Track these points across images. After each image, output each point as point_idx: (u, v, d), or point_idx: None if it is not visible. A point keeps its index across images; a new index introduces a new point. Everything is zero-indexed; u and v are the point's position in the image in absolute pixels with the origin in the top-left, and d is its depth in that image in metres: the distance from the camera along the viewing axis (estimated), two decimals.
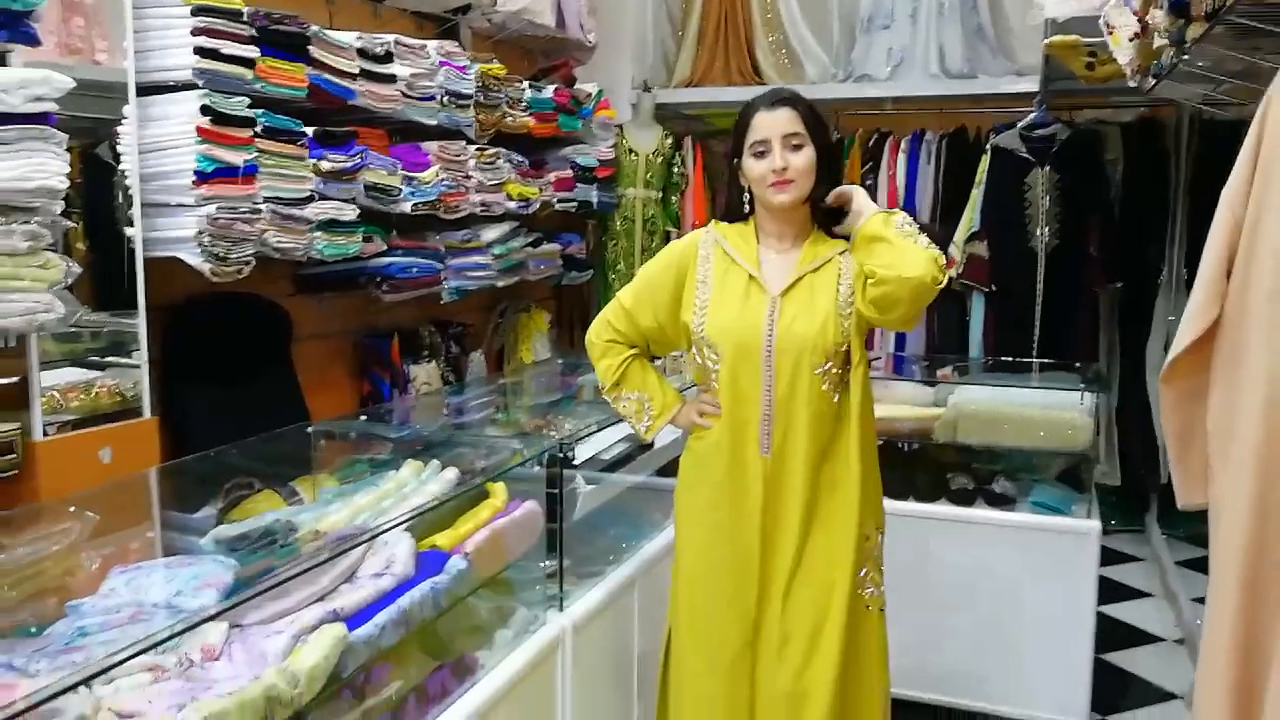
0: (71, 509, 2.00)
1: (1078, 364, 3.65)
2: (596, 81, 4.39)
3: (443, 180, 3.33)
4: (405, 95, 3.14)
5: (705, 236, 2.07)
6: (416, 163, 3.24)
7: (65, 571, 1.75)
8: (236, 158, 2.52)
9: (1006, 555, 2.94)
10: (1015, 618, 2.92)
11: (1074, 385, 3.31)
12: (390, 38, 3.10)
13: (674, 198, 4.77)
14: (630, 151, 4.64)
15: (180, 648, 1.46)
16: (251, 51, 2.57)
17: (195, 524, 1.94)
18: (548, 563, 2.17)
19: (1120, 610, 3.84)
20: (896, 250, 1.86)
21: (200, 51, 2.45)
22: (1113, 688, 3.24)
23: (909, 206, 4.50)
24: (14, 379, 2.21)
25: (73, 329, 2.31)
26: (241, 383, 2.83)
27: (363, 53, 2.97)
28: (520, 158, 3.76)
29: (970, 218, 4.27)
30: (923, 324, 4.43)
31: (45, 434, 2.23)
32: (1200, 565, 3.65)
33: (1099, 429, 3.17)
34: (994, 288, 4.24)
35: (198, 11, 2.45)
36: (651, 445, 2.66)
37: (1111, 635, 3.58)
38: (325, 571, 1.65)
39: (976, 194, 4.26)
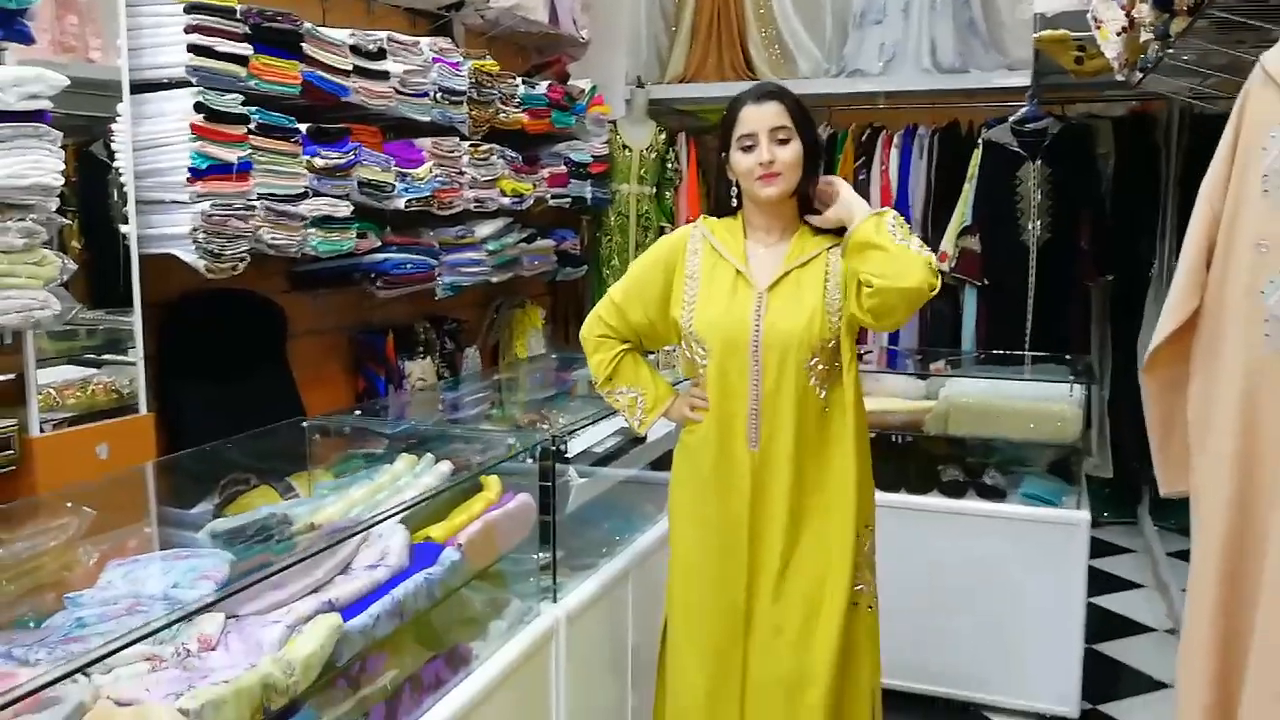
0: (69, 504, 2.02)
1: (1068, 357, 3.67)
2: (590, 77, 4.40)
3: (436, 176, 3.34)
4: (398, 92, 3.15)
5: (694, 231, 2.08)
6: (410, 159, 3.26)
7: (63, 566, 1.76)
8: (230, 155, 2.53)
9: (997, 546, 2.96)
10: (1006, 608, 2.95)
11: (1063, 378, 3.34)
12: (383, 34, 3.11)
13: (668, 193, 4.78)
14: (624, 147, 4.66)
15: (177, 638, 1.48)
16: (245, 49, 2.58)
17: (191, 519, 1.96)
18: (541, 555, 2.19)
19: (1112, 601, 3.88)
20: (891, 258, 1.84)
21: (193, 49, 2.46)
22: (1104, 677, 3.26)
23: (901, 201, 4.53)
24: (10, 375, 2.22)
25: (69, 326, 2.32)
26: (237, 379, 2.84)
27: (356, 49, 2.98)
28: (514, 154, 3.78)
29: (962, 212, 4.30)
30: (915, 318, 4.45)
31: (42, 430, 2.24)
32: None
33: (1089, 421, 3.19)
34: (986, 281, 4.27)
35: (191, 9, 2.46)
36: (644, 439, 2.68)
37: (1103, 626, 3.61)
38: (320, 563, 1.67)
39: (968, 188, 4.28)
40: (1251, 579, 1.68)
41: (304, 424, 2.53)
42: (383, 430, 2.58)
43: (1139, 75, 2.73)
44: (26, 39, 2.10)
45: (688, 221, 2.16)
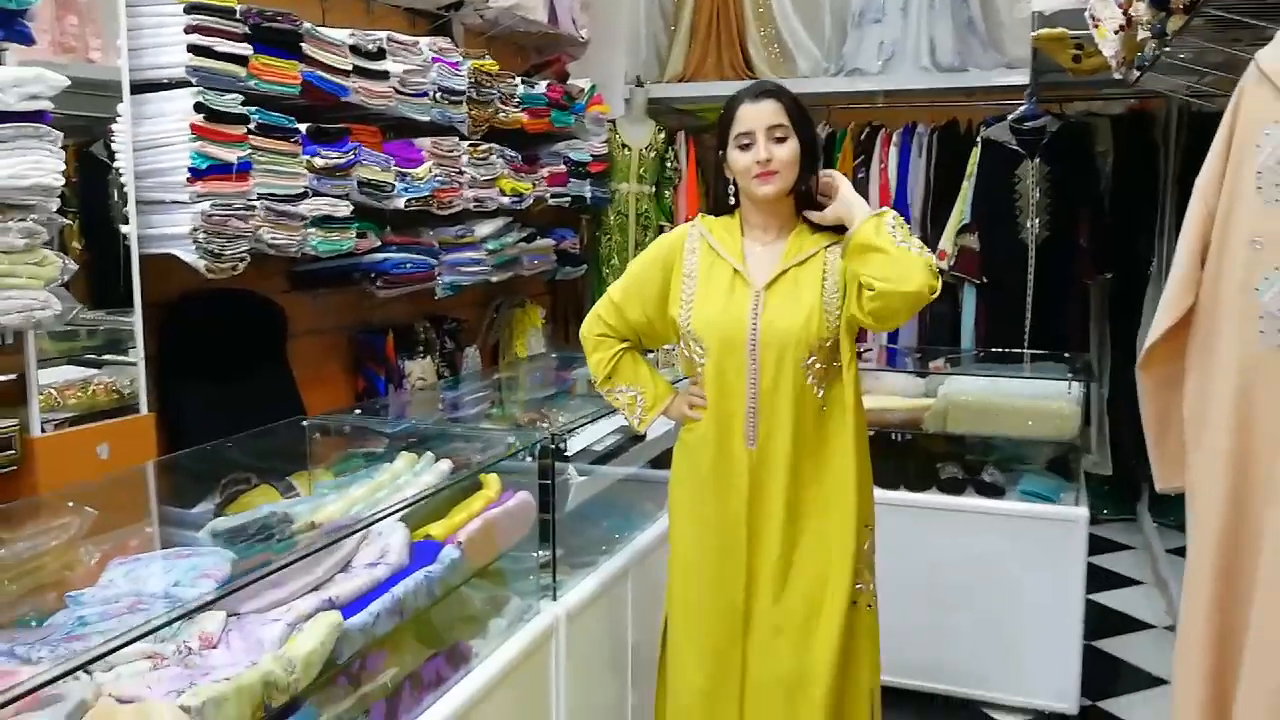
0: (70, 503, 2.02)
1: (1067, 354, 3.68)
2: (589, 77, 4.41)
3: (436, 176, 3.35)
4: (398, 92, 3.16)
5: (692, 230, 2.08)
6: (410, 159, 3.26)
7: (64, 565, 1.77)
8: (230, 154, 2.54)
9: (996, 543, 2.97)
10: (1005, 605, 2.95)
11: (1062, 375, 3.35)
12: (383, 34, 3.12)
13: (667, 192, 4.79)
14: (623, 146, 4.67)
15: (179, 636, 1.49)
16: (244, 49, 2.59)
17: (192, 518, 1.96)
18: (541, 552, 2.20)
19: (1112, 598, 3.88)
20: (892, 261, 1.84)
21: (193, 49, 2.47)
22: (1104, 674, 3.27)
23: (901, 199, 4.54)
24: (11, 376, 2.22)
25: (69, 327, 2.33)
26: (237, 379, 2.85)
27: (355, 49, 2.99)
28: (513, 153, 3.78)
29: (961, 210, 4.30)
30: (914, 316, 4.45)
31: (43, 430, 2.25)
32: None
33: (1088, 418, 3.20)
34: (985, 279, 4.27)
35: (191, 9, 2.46)
36: (644, 437, 2.69)
37: (1103, 622, 3.62)
38: (320, 561, 1.68)
39: (967, 186, 4.29)
40: (1246, 575, 1.69)
41: (304, 423, 2.53)
42: (383, 429, 2.59)
43: (1136, 73, 2.74)
44: (27, 39, 2.11)
45: (687, 220, 2.17)
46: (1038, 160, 4.12)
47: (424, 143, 3.34)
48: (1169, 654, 3.40)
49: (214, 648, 1.48)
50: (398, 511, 1.86)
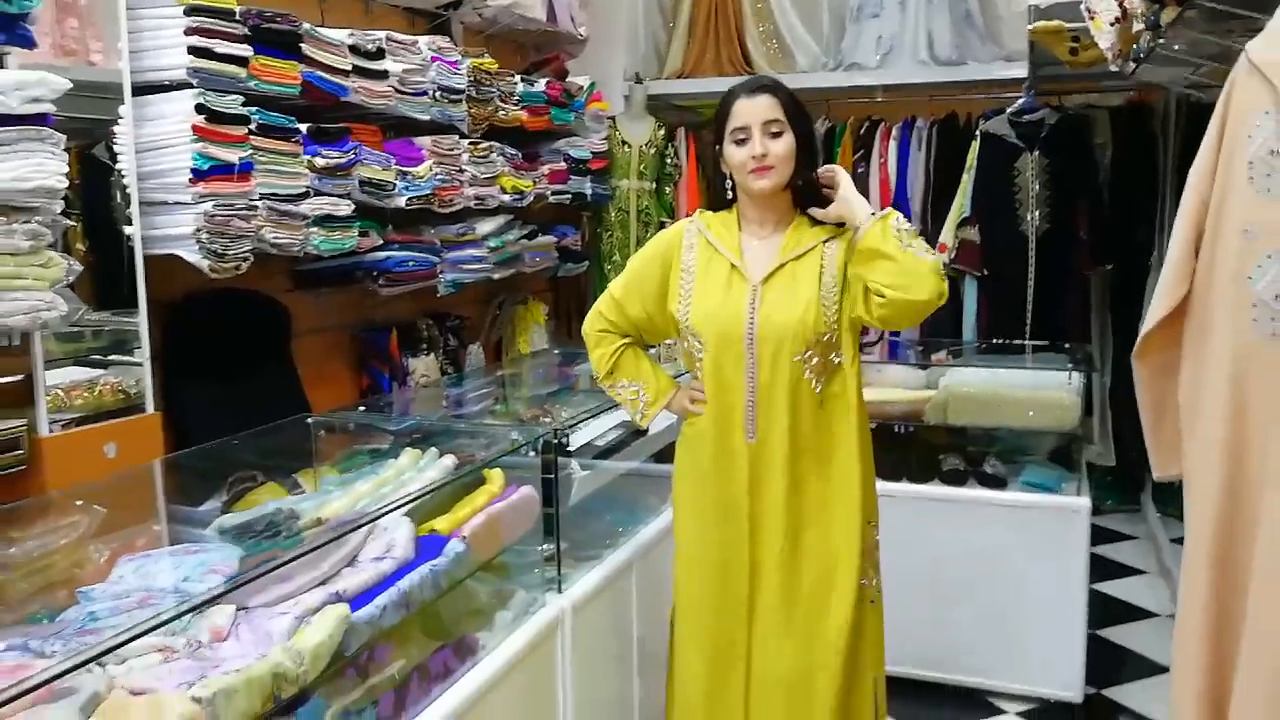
0: (79, 502, 2.04)
1: (1068, 345, 3.69)
2: (588, 74, 4.42)
3: (436, 175, 3.36)
4: (398, 91, 3.18)
5: (689, 226, 2.09)
6: (410, 157, 3.28)
7: (74, 562, 1.79)
8: (232, 155, 2.55)
9: (999, 534, 2.98)
10: (1009, 595, 2.97)
11: (1062, 366, 3.36)
12: (382, 34, 3.14)
13: (668, 188, 4.80)
14: (623, 143, 4.68)
15: (189, 630, 1.51)
16: (244, 50, 2.60)
17: (200, 515, 1.98)
18: (545, 546, 2.21)
19: (1115, 587, 3.89)
20: (901, 269, 1.85)
21: (194, 51, 2.48)
22: (1108, 662, 3.29)
23: (900, 193, 4.54)
24: (19, 377, 2.24)
25: (75, 328, 2.34)
26: (242, 378, 2.86)
27: (355, 49, 3.01)
28: (513, 151, 3.80)
29: (961, 203, 4.31)
30: None
31: (51, 430, 2.26)
32: None
33: (1088, 408, 3.21)
34: (985, 272, 4.28)
35: (190, 11, 2.48)
36: (646, 432, 2.70)
37: (1107, 611, 3.63)
38: (327, 556, 1.70)
39: (967, 179, 4.29)
40: (1243, 564, 1.70)
41: (309, 421, 2.55)
42: (387, 426, 2.60)
43: (1133, 66, 2.75)
44: (28, 43, 2.13)
45: (688, 216, 2.18)
46: (1037, 153, 4.13)
47: (424, 141, 3.35)
48: (1172, 642, 3.43)
49: (224, 640, 1.50)
50: (403, 506, 1.88)
